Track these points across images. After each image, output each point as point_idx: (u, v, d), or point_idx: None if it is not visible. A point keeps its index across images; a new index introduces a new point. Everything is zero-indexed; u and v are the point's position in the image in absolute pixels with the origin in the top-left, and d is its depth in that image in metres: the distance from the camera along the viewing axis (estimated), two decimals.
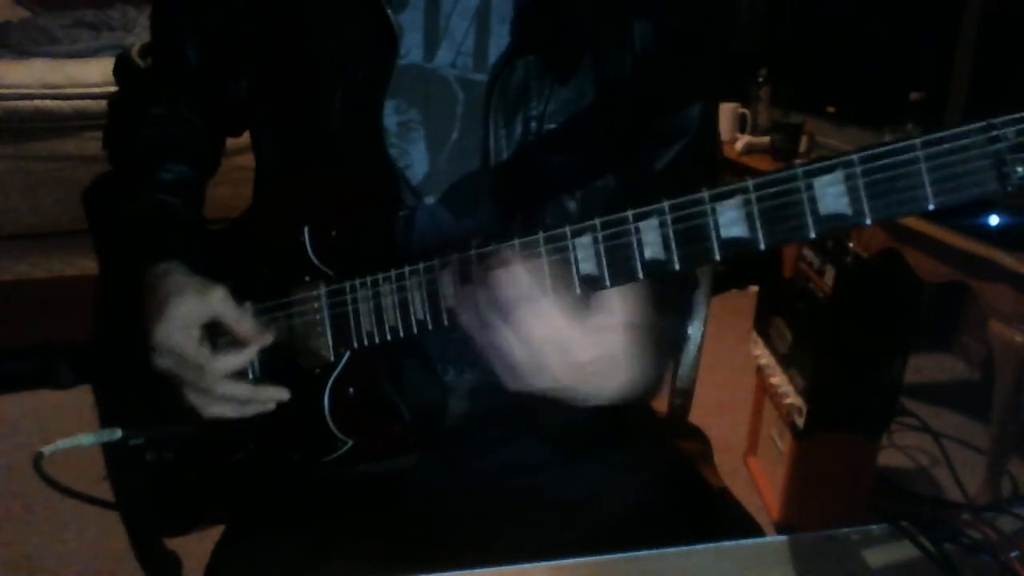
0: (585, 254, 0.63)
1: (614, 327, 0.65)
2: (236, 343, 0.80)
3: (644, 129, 0.83)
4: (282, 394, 0.80)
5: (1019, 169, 0.49)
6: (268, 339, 0.80)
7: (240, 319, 0.80)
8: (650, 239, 0.60)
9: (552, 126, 0.80)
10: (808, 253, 1.83)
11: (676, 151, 0.83)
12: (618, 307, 0.64)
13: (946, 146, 0.51)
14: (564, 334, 0.63)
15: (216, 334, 0.81)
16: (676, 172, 0.82)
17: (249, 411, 0.80)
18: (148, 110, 0.93)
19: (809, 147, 2.80)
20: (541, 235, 0.65)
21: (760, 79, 3.09)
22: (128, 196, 0.89)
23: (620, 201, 0.62)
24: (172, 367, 0.79)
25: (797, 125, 2.82)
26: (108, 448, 0.88)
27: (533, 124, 0.80)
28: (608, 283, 0.63)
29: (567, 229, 0.64)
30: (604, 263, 0.63)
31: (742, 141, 3.01)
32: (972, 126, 0.50)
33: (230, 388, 0.79)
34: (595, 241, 0.63)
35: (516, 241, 0.66)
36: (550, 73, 0.80)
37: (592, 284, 0.64)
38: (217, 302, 0.79)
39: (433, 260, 0.71)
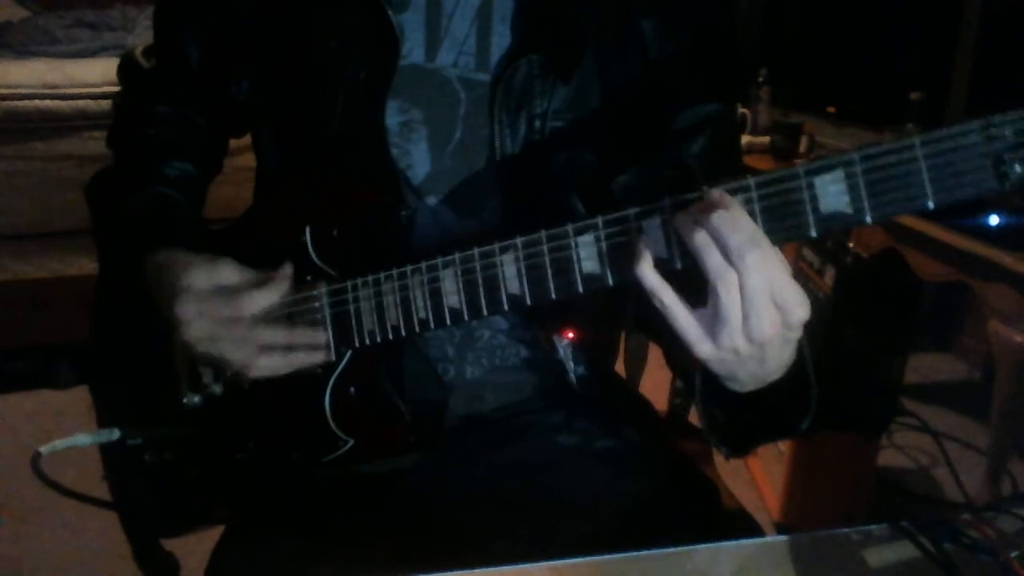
0: (587, 252, 0.64)
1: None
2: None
3: (660, 125, 0.83)
4: (320, 336, 0.77)
5: (1017, 167, 0.50)
6: (288, 273, 0.78)
7: (255, 274, 0.77)
8: (653, 237, 0.60)
9: (557, 124, 0.80)
10: (808, 253, 1.83)
11: (702, 144, 0.83)
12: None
13: (945, 145, 0.51)
14: (787, 289, 0.57)
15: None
16: (705, 163, 0.82)
17: (297, 361, 0.78)
18: (153, 110, 0.93)
19: (809, 147, 2.80)
20: (543, 233, 0.65)
21: (760, 79, 3.08)
22: (132, 189, 0.89)
23: (645, 196, 0.61)
24: (202, 333, 0.76)
25: (797, 125, 2.82)
26: (106, 448, 0.88)
27: (537, 122, 0.80)
28: (610, 281, 0.63)
29: (569, 227, 0.64)
30: (606, 261, 0.63)
31: (742, 141, 3.01)
32: (970, 125, 0.51)
33: (269, 334, 0.76)
34: (597, 240, 0.63)
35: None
36: (553, 71, 0.80)
37: (594, 282, 0.64)
38: (225, 265, 0.77)
39: (436, 259, 0.71)
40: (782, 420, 0.70)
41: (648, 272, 0.59)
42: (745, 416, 0.68)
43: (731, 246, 0.55)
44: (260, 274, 0.78)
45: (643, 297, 0.60)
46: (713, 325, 0.58)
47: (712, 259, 0.56)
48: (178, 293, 0.76)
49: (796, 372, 0.65)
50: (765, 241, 0.56)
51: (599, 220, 0.63)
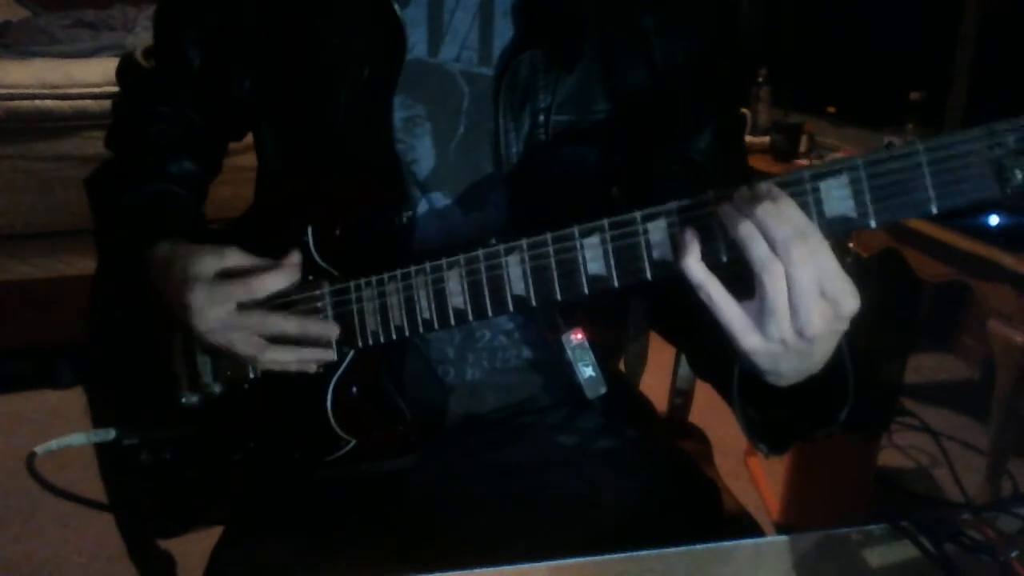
0: (593, 254, 0.64)
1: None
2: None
3: (663, 121, 0.82)
4: (333, 330, 0.77)
5: (1018, 174, 0.51)
6: (296, 261, 0.78)
7: (264, 260, 0.77)
8: (658, 240, 0.61)
9: (560, 118, 0.81)
10: None
11: (707, 140, 0.82)
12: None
13: (948, 151, 0.52)
14: (836, 280, 0.56)
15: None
16: (713, 159, 0.82)
17: (306, 356, 0.78)
18: (153, 110, 0.93)
19: (809, 147, 2.80)
20: (549, 235, 0.65)
21: (760, 79, 3.08)
22: (134, 184, 0.89)
23: (650, 193, 0.61)
24: (213, 322, 0.76)
25: (797, 125, 2.82)
26: (102, 448, 0.88)
27: (541, 116, 0.80)
28: (615, 283, 0.63)
29: (575, 229, 0.64)
30: (612, 263, 0.63)
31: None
32: (973, 132, 0.52)
33: (280, 323, 0.76)
34: (603, 241, 0.63)
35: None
36: (556, 64, 0.80)
37: (600, 284, 0.64)
38: (233, 251, 0.77)
39: (440, 260, 0.71)
40: (820, 412, 0.68)
41: (694, 264, 0.58)
42: (784, 411, 0.67)
43: (777, 238, 0.55)
44: (269, 260, 0.78)
45: (657, 300, 0.60)
46: (760, 317, 0.57)
47: (757, 250, 0.55)
48: (188, 280, 0.76)
49: (833, 363, 0.64)
50: (814, 233, 0.55)
51: (605, 222, 0.63)
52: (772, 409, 0.67)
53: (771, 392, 0.64)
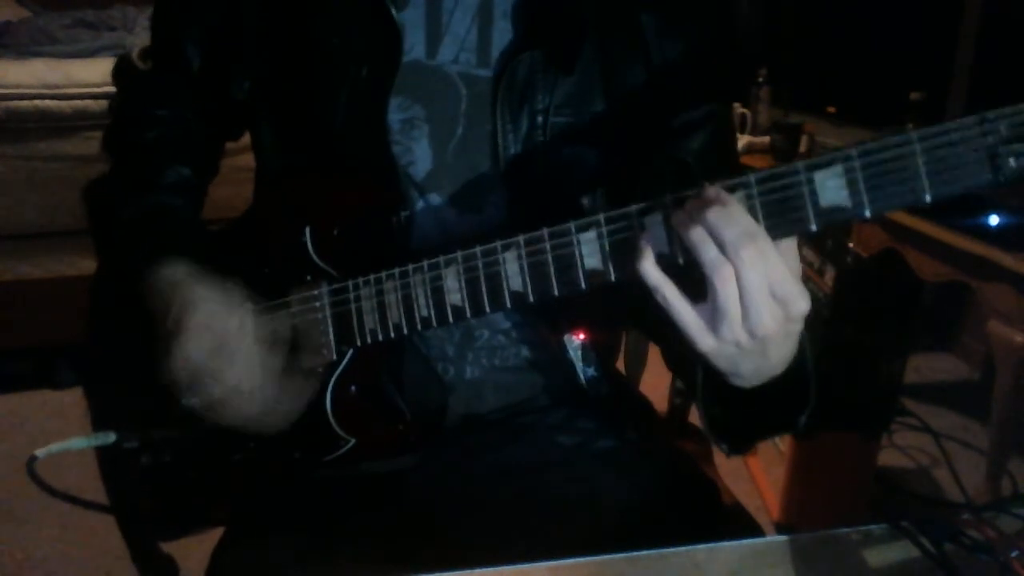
0: (590, 249, 0.64)
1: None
2: None
3: (659, 122, 0.82)
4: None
5: (1011, 161, 0.51)
6: None
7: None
8: (655, 233, 0.61)
9: (559, 119, 0.81)
10: (808, 253, 1.83)
11: (700, 141, 0.83)
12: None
13: (941, 140, 0.53)
14: (786, 282, 0.57)
15: None
16: (702, 161, 0.82)
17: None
18: (151, 112, 0.93)
19: (809, 147, 2.80)
20: (545, 231, 0.66)
21: (760, 79, 3.08)
22: (132, 195, 0.89)
23: (643, 192, 0.62)
24: (183, 376, 0.77)
25: (797, 125, 2.82)
26: (102, 451, 0.88)
27: (539, 118, 0.80)
28: (612, 277, 0.64)
29: (571, 224, 0.64)
30: (609, 258, 0.63)
31: (742, 141, 3.00)
32: (966, 120, 0.52)
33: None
34: (600, 236, 0.63)
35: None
36: (554, 65, 0.80)
37: (597, 278, 0.64)
38: (233, 331, 0.77)
39: (437, 257, 0.72)
40: (782, 415, 0.70)
41: (650, 268, 0.60)
42: (745, 412, 0.68)
43: (726, 240, 0.56)
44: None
45: (641, 295, 0.60)
46: (713, 319, 0.58)
47: (708, 253, 0.56)
48: (178, 335, 0.76)
49: (795, 366, 0.65)
50: (762, 235, 0.56)
51: (601, 217, 0.63)
52: (738, 408, 0.68)
53: (733, 392, 0.65)
